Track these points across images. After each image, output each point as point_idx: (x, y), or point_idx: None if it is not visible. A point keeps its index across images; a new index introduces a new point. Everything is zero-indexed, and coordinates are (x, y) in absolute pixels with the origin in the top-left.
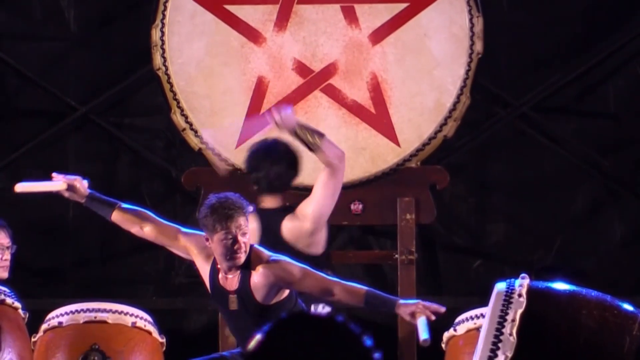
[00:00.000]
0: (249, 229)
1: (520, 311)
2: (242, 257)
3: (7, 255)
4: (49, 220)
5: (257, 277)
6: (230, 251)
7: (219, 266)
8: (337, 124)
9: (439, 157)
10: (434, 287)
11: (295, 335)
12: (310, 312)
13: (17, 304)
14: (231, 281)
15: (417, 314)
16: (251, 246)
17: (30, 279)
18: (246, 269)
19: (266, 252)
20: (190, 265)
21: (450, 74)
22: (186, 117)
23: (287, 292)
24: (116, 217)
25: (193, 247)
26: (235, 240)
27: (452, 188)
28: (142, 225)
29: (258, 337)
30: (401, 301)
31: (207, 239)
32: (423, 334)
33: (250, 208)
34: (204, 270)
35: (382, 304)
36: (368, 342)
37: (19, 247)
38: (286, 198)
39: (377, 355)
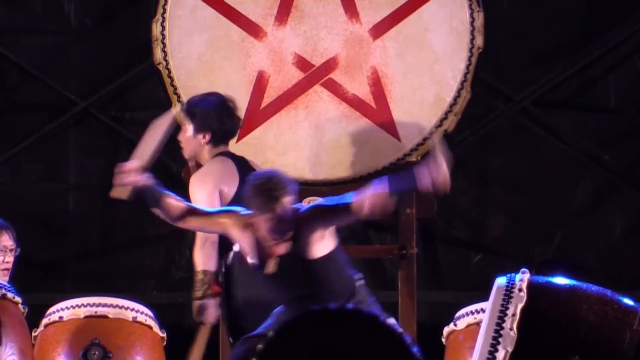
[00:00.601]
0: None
1: (520, 306)
2: (284, 234)
3: (10, 258)
4: (49, 214)
5: (299, 233)
6: (276, 230)
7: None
8: (338, 119)
9: None
10: (435, 282)
11: (324, 331)
12: (340, 306)
13: (18, 299)
14: (276, 248)
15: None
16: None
17: (30, 273)
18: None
19: (299, 208)
20: (191, 260)
21: (451, 69)
22: None
23: (330, 243)
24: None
25: (227, 223)
26: (280, 221)
27: (453, 182)
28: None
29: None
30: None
31: (252, 216)
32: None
33: (295, 185)
34: (243, 240)
35: (406, 184)
36: (407, 338)
37: (18, 241)
38: None
39: (415, 349)
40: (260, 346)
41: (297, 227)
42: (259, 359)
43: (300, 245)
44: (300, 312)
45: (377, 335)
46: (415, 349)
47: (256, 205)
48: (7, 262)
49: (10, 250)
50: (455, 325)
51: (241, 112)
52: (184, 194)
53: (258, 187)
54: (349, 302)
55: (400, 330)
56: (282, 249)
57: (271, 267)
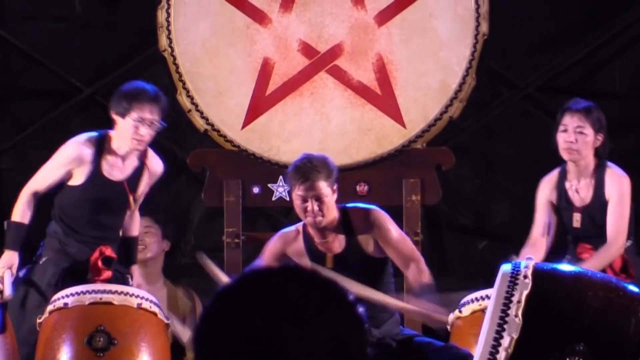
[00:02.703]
0: (329, 193)
1: (525, 292)
2: (318, 220)
3: (146, 131)
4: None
5: (360, 234)
6: (303, 211)
7: (309, 230)
8: (343, 105)
9: (445, 138)
10: (440, 268)
11: (273, 289)
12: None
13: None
14: (331, 245)
15: None
16: (345, 208)
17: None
18: (347, 230)
19: (363, 207)
20: (196, 246)
21: (456, 55)
22: (192, 98)
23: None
24: None
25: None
26: (304, 202)
27: (458, 169)
28: None
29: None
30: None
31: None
32: None
33: (333, 174)
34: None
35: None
36: (350, 296)
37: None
38: None
39: (360, 309)
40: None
41: (364, 229)
42: (196, 331)
43: (366, 245)
44: (236, 278)
45: (322, 291)
46: (359, 307)
47: (290, 180)
48: (142, 135)
49: (150, 124)
50: (460, 312)
51: (246, 99)
52: (189, 180)
53: (297, 163)
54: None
55: (342, 287)
56: (337, 246)
57: (329, 263)
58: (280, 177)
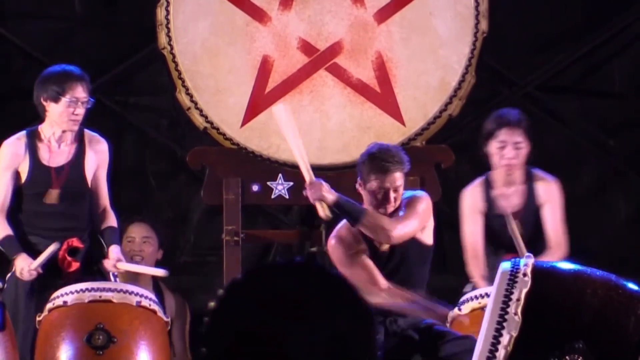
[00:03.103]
0: (402, 184)
1: (525, 290)
2: (390, 209)
3: (80, 110)
4: None
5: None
6: (379, 203)
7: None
8: (343, 103)
9: (444, 136)
10: (439, 266)
11: (279, 283)
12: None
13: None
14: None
15: None
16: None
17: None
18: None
19: (409, 195)
20: (195, 244)
21: (456, 53)
22: (191, 96)
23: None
24: None
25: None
26: (386, 194)
27: (457, 167)
28: None
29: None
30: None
31: (359, 184)
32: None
33: (408, 165)
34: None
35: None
36: (357, 293)
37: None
38: None
39: (368, 305)
40: (211, 303)
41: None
42: (210, 318)
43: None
44: (248, 270)
45: (327, 287)
46: (366, 304)
47: (366, 172)
48: (77, 115)
49: (82, 102)
50: (459, 309)
51: (245, 97)
52: (188, 178)
53: (372, 154)
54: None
55: (349, 283)
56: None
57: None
58: (280, 174)
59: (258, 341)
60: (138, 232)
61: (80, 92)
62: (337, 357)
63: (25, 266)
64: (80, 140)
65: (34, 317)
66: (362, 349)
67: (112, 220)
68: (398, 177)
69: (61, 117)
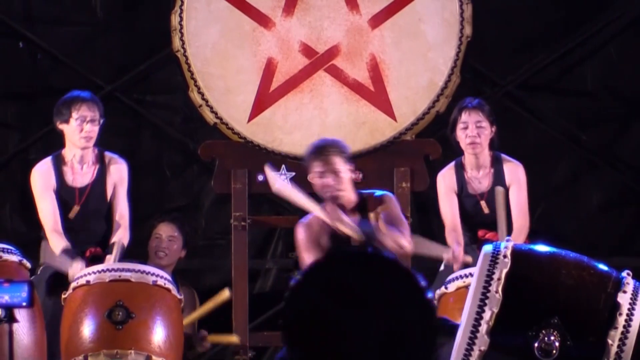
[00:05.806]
0: (344, 169)
1: (505, 271)
2: (339, 194)
3: (90, 127)
4: None
5: (374, 216)
6: (323, 187)
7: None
8: (340, 101)
9: (432, 130)
10: None
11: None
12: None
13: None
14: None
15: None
16: (362, 193)
17: None
18: (363, 213)
19: (371, 193)
20: (206, 229)
21: (442, 56)
22: (202, 95)
23: None
24: None
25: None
26: (325, 178)
27: (444, 159)
28: None
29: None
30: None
31: (309, 177)
32: None
33: (347, 151)
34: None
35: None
36: (421, 281)
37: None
38: None
39: (429, 293)
40: (287, 293)
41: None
42: (286, 302)
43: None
44: (324, 256)
45: (394, 278)
46: (428, 293)
47: (307, 162)
48: (88, 132)
49: (90, 120)
50: (446, 288)
51: (252, 96)
52: (200, 169)
53: (311, 146)
54: None
55: (416, 273)
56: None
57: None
58: (283, 165)
59: (322, 324)
60: (165, 230)
61: (85, 110)
62: (393, 354)
63: (81, 268)
64: (101, 161)
65: (59, 297)
66: (419, 350)
67: (121, 237)
68: (337, 162)
69: (74, 135)
